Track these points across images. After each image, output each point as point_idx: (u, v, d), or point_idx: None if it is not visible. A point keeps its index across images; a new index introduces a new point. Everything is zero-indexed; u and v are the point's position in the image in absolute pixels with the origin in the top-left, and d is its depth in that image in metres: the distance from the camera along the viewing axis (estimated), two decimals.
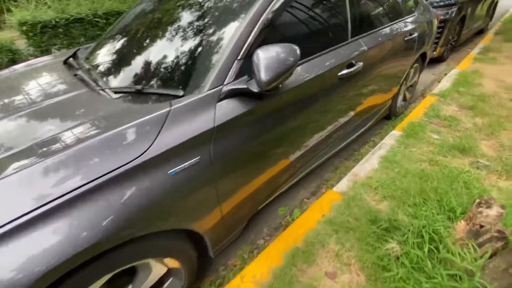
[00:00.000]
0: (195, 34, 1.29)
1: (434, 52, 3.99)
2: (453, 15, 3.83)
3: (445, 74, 3.74)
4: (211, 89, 1.08)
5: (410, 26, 2.32)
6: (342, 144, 2.11)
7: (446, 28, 3.84)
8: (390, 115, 2.83)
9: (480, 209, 1.18)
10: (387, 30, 2.06)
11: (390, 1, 2.25)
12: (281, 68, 1.06)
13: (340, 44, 1.63)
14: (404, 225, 1.40)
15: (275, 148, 1.43)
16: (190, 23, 1.36)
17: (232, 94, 1.13)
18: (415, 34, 2.35)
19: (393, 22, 2.17)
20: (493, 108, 2.74)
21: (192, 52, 1.24)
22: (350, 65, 1.66)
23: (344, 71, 1.61)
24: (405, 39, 2.24)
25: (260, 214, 1.70)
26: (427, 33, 2.64)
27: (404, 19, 2.32)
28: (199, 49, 1.23)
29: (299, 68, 1.39)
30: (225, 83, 1.11)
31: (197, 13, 1.40)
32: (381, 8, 2.12)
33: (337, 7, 1.67)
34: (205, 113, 1.04)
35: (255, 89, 1.08)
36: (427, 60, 3.01)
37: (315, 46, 1.52)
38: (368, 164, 2.10)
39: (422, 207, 1.48)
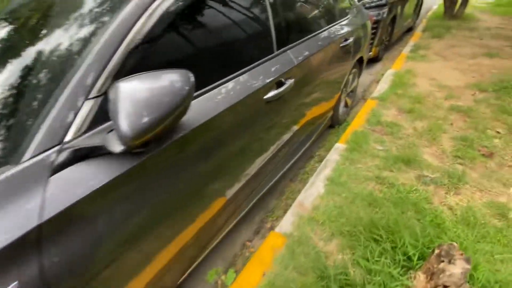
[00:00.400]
0: (16, 61, 0.82)
1: (370, 53, 3.99)
2: (384, 15, 3.85)
3: (382, 74, 3.73)
4: (37, 155, 0.64)
5: (344, 30, 2.11)
6: (284, 168, 1.81)
7: (380, 29, 3.85)
8: (333, 124, 2.64)
9: (442, 264, 0.94)
10: (320, 37, 1.79)
11: (321, 4, 2.00)
12: (160, 109, 0.67)
13: (263, 60, 1.29)
14: (357, 284, 1.13)
15: (187, 202, 1.03)
16: (8, 44, 0.88)
17: (83, 156, 0.70)
18: (351, 39, 2.14)
19: (326, 28, 1.91)
20: (430, 109, 2.71)
21: (7, 91, 0.77)
22: (279, 84, 1.34)
23: (272, 93, 1.27)
24: (341, 45, 2.01)
25: (187, 277, 1.30)
26: (363, 36, 2.49)
27: (338, 23, 2.09)
28: (20, 84, 0.77)
29: (211, 95, 1.02)
30: (65, 140, 0.68)
31: (24, 28, 0.92)
32: (311, 13, 1.84)
33: (255, 12, 1.31)
34: (22, 199, 0.60)
35: (116, 147, 0.67)
36: (365, 63, 2.90)
37: (228, 66, 1.14)
38: (314, 189, 1.85)
39: (375, 254, 1.23)
